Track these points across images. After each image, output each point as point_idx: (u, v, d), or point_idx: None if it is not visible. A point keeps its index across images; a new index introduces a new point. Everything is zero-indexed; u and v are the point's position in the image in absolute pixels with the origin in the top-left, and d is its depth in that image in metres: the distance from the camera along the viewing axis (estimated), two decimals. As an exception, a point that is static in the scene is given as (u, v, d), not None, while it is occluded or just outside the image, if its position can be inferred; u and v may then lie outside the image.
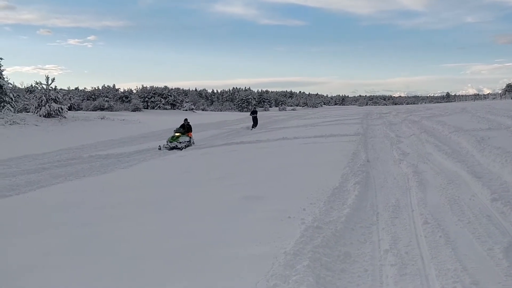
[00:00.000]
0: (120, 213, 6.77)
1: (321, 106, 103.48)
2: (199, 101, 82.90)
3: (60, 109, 29.75)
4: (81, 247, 5.19)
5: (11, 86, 32.81)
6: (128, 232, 5.72)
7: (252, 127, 27.46)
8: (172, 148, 16.80)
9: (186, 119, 19.61)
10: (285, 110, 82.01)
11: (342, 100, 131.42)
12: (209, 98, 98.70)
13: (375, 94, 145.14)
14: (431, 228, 5.09)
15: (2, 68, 30.46)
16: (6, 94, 29.69)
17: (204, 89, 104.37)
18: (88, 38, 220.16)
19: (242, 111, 75.85)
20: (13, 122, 24.74)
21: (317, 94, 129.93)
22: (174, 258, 4.61)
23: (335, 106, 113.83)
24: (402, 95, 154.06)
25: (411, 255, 4.42)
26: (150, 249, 4.96)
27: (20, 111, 32.86)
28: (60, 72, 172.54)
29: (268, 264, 4.21)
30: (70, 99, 45.18)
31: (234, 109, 79.49)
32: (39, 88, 30.83)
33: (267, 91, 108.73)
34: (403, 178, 8.13)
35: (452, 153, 10.06)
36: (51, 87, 30.50)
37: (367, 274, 4.11)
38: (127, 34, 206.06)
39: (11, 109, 29.07)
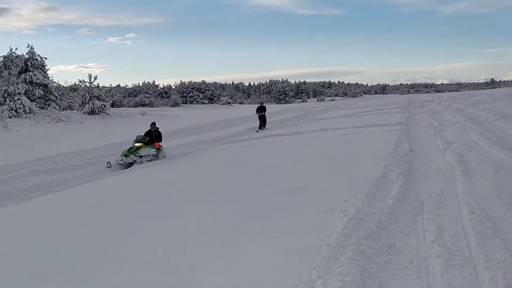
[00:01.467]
0: (157, 207, 6.92)
1: (361, 95, 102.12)
2: (236, 95, 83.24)
3: (103, 106, 30.55)
4: (118, 241, 5.35)
5: (55, 85, 33.98)
6: (167, 225, 5.84)
7: (260, 128, 22.04)
8: (127, 165, 12.55)
9: (153, 124, 14.55)
10: (324, 101, 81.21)
11: (382, 89, 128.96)
12: (246, 91, 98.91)
13: (416, 82, 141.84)
14: (478, 218, 4.94)
15: (46, 67, 31.57)
16: (51, 93, 30.79)
17: (241, 83, 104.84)
18: (128, 35, 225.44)
19: (280, 103, 75.77)
20: (59, 119, 25.62)
21: (356, 83, 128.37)
22: (214, 250, 4.66)
23: (376, 95, 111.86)
24: (445, 82, 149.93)
25: (457, 246, 4.30)
26: (189, 241, 5.03)
27: (65, 108, 33.96)
28: (102, 70, 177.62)
29: (311, 256, 4.18)
30: (112, 96, 46.31)
31: (272, 101, 79.36)
32: (82, 86, 31.78)
33: (304, 82, 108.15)
34: (448, 167, 7.91)
35: (499, 140, 9.72)
36: (93, 85, 31.34)
37: (412, 265, 4.03)
38: (166, 30, 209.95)
39: (56, 107, 30.10)
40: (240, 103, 75.06)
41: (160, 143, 14.07)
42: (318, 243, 4.49)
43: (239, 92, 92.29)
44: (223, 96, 64.12)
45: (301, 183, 7.51)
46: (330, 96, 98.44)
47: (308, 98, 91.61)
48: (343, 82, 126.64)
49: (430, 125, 15.52)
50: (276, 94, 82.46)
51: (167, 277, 4.11)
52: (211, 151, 14.16)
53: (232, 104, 61.88)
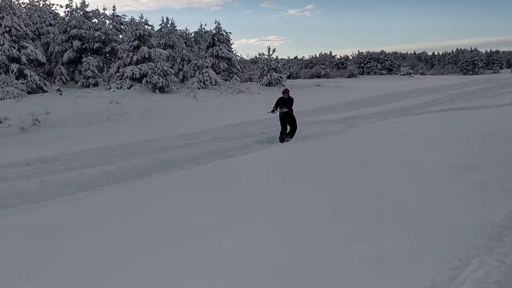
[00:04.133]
0: (323, 175, 7.05)
1: None
2: (417, 65, 78.71)
3: (279, 78, 31.83)
4: (278, 205, 5.62)
5: (238, 58, 36.46)
6: (331, 193, 5.95)
7: (282, 138, 11.94)
8: None
9: None
10: (520, 71, 71.89)
11: None
12: (429, 61, 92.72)
13: None
14: None
15: (231, 42, 33.97)
16: (234, 66, 33.16)
17: (424, 52, 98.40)
18: (307, 7, 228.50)
19: (467, 74, 69.51)
20: (240, 91, 27.59)
21: None
22: (376, 220, 4.65)
23: None
24: None
25: None
26: (349, 211, 5.08)
27: (245, 81, 36.32)
28: (281, 43, 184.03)
29: (472, 234, 3.97)
30: (289, 68, 47.92)
31: (458, 72, 73.14)
32: (261, 59, 33.46)
33: (497, 51, 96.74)
34: None
35: None
36: (272, 57, 32.75)
37: None
38: (344, 0, 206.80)
39: (238, 79, 32.39)
40: (421, 73, 70.88)
41: None
42: (482, 222, 4.24)
43: (421, 62, 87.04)
44: (403, 66, 61.29)
45: (472, 159, 6.99)
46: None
47: (500, 69, 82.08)
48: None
49: None
50: (463, 65, 75.74)
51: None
52: (382, 124, 13.74)
53: (412, 75, 58.88)
